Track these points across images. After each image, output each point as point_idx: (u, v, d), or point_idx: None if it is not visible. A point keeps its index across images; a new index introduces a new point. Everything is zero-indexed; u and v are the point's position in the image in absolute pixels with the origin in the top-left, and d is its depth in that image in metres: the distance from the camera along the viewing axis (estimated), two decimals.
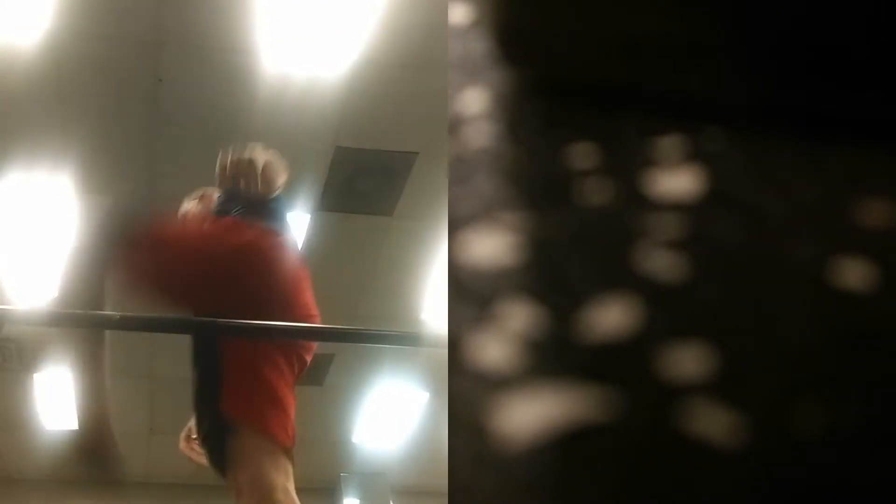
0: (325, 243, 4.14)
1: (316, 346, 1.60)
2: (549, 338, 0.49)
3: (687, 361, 0.46)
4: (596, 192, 0.57)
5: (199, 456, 1.56)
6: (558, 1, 0.59)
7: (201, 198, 1.73)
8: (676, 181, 0.57)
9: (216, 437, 1.41)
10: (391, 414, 5.67)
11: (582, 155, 0.60)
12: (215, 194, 1.68)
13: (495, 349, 0.49)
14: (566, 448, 0.43)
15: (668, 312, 0.49)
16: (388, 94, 3.37)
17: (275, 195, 1.69)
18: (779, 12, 0.54)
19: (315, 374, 5.21)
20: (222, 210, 1.60)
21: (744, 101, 0.59)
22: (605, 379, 0.46)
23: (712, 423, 0.44)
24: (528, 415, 0.45)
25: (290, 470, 1.39)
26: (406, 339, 1.98)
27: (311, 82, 3.29)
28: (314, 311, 1.57)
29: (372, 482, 6.34)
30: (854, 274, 0.50)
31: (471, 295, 0.52)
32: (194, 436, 1.55)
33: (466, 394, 0.47)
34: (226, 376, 1.42)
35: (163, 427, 5.70)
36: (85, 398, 1.50)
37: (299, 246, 1.71)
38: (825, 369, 0.45)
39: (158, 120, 3.43)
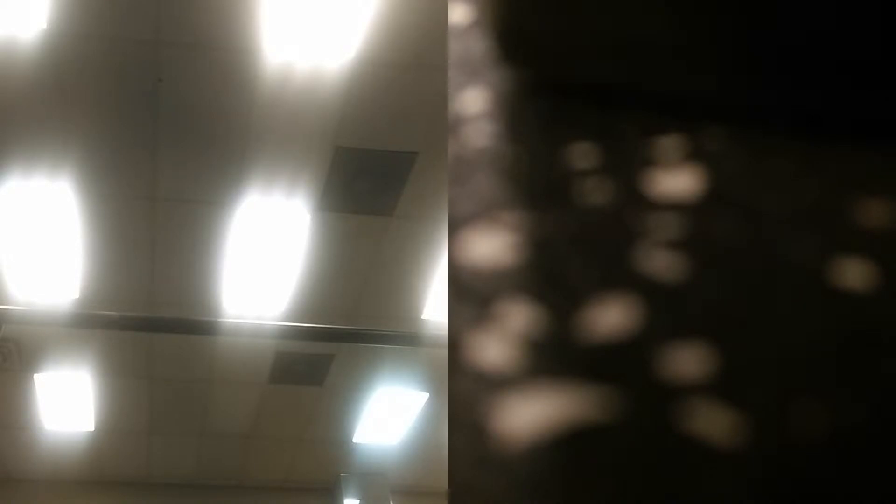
0: (325, 243, 4.15)
1: None
2: (549, 338, 0.49)
3: (687, 361, 0.47)
4: (596, 192, 0.57)
5: None
6: (558, 1, 0.59)
7: None
8: (676, 181, 0.57)
9: None
10: (391, 414, 5.68)
11: (582, 155, 0.60)
12: None
13: (495, 349, 0.49)
14: (566, 448, 0.43)
15: (668, 312, 0.49)
16: (388, 94, 3.38)
17: None
18: (779, 12, 0.54)
19: (315, 374, 5.22)
20: None
21: (744, 101, 0.59)
22: (605, 379, 0.46)
23: (712, 423, 0.44)
24: (529, 415, 0.45)
25: None
26: (406, 339, 1.98)
27: (311, 82, 3.29)
28: None
29: (372, 482, 6.35)
30: (854, 274, 0.50)
31: (471, 295, 0.52)
32: None
33: (466, 394, 0.46)
34: None
35: (163, 427, 5.70)
36: None
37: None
38: (825, 369, 0.45)
39: (158, 120, 3.44)
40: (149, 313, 4.36)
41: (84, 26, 3.01)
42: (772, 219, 0.54)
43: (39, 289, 4.33)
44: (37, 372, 5.01)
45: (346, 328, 2.06)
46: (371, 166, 3.69)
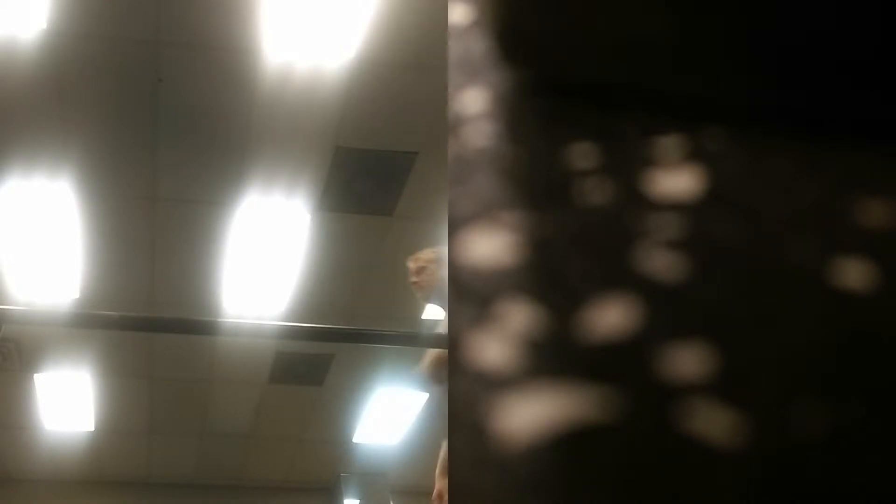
0: (325, 243, 4.15)
1: None
2: (549, 338, 0.49)
3: (687, 361, 0.46)
4: (596, 192, 0.57)
5: None
6: (558, 1, 0.59)
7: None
8: (676, 181, 0.57)
9: None
10: (391, 414, 5.67)
11: (582, 155, 0.60)
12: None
13: (495, 349, 0.49)
14: (566, 448, 0.43)
15: (668, 312, 0.49)
16: (388, 94, 3.37)
17: None
18: (779, 12, 0.54)
19: (315, 374, 5.22)
20: None
21: (744, 101, 0.59)
22: (605, 379, 0.46)
23: (712, 423, 0.44)
24: (528, 415, 0.45)
25: None
26: (406, 339, 1.97)
27: (311, 82, 3.29)
28: None
29: (372, 482, 6.35)
30: (854, 274, 0.50)
31: (471, 295, 0.52)
32: None
33: (466, 394, 0.46)
34: None
35: (162, 427, 5.70)
36: None
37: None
38: (825, 369, 0.45)
39: (158, 120, 3.44)
40: (149, 313, 4.36)
41: (84, 26, 3.01)
42: (772, 219, 0.54)
43: (39, 289, 4.33)
44: (37, 372, 5.01)
45: (346, 328, 2.07)
46: (371, 166, 3.69)
